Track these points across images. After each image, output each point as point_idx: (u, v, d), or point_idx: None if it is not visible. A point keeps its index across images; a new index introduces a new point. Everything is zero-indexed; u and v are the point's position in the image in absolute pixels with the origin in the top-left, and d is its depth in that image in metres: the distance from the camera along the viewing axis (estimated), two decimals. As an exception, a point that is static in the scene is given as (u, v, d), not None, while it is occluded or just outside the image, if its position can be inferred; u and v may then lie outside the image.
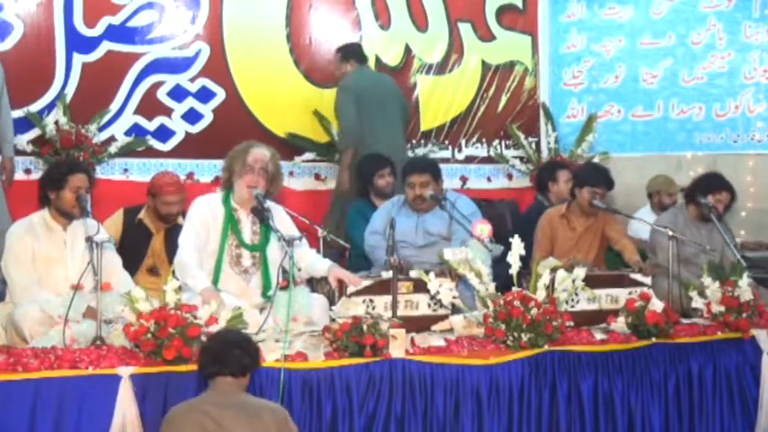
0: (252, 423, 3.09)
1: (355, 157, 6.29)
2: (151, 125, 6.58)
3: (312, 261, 4.51)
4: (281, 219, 4.49)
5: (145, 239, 5.16)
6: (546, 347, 4.02)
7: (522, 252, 4.15)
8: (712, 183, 5.55)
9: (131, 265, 4.90)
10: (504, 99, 7.76)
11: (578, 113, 7.88)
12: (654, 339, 4.27)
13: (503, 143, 7.78)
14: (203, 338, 3.53)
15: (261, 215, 4.36)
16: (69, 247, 4.31)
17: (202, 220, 4.36)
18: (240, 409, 3.11)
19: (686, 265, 5.16)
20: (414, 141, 7.39)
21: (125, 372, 3.41)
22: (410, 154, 7.22)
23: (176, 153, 6.62)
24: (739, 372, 4.47)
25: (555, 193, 6.28)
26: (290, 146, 6.91)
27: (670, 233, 4.85)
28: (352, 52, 6.70)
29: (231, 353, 3.23)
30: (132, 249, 5.09)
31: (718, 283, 4.58)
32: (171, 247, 4.88)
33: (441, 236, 5.12)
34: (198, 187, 6.22)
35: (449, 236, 5.10)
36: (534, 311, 3.97)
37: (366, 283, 4.31)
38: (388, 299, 4.18)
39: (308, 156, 6.98)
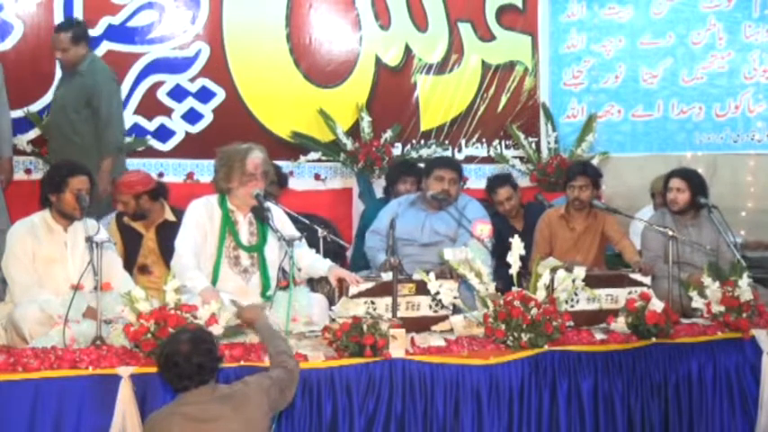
0: (239, 411, 3.07)
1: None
2: (151, 125, 6.58)
3: (312, 261, 4.51)
4: (281, 219, 4.50)
5: (136, 240, 5.17)
6: (546, 347, 4.02)
7: (522, 252, 4.16)
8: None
9: (127, 266, 4.92)
10: (504, 99, 7.76)
11: (578, 113, 7.88)
12: (654, 339, 4.27)
13: (503, 143, 7.79)
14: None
15: (261, 215, 4.36)
16: (70, 248, 4.31)
17: (199, 223, 4.36)
18: (223, 402, 3.08)
19: (681, 265, 5.15)
20: (414, 141, 7.40)
21: (125, 372, 3.41)
22: (413, 154, 7.25)
23: (176, 153, 6.63)
24: (739, 372, 4.47)
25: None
26: (292, 146, 6.92)
27: (670, 233, 4.85)
28: (84, 33, 5.73)
29: (193, 365, 3.07)
30: (127, 251, 5.11)
31: (718, 283, 4.58)
32: (164, 245, 4.89)
33: (447, 236, 5.14)
34: (198, 187, 6.23)
35: (455, 237, 5.12)
36: (534, 311, 3.97)
37: (367, 284, 4.32)
38: (389, 300, 4.18)
39: (313, 155, 6.98)
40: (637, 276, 4.73)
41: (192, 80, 6.67)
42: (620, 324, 4.37)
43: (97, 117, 5.61)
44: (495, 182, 6.17)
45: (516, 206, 6.08)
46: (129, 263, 5.01)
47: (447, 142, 7.54)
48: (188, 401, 3.08)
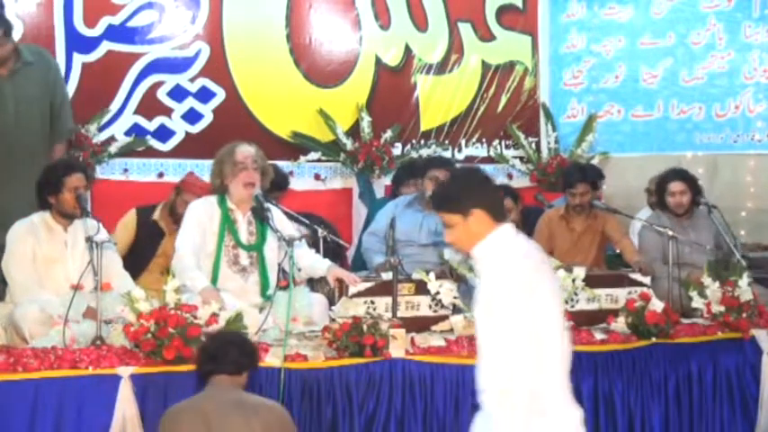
0: (248, 421, 3.09)
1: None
2: (151, 125, 6.57)
3: (311, 261, 4.51)
4: (280, 220, 4.51)
5: (156, 239, 5.15)
6: (546, 347, 4.02)
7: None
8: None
9: (141, 264, 4.91)
10: (504, 99, 7.75)
11: (578, 113, 7.87)
12: (654, 339, 4.27)
13: (503, 143, 7.78)
14: (203, 338, 3.54)
15: (261, 215, 4.37)
16: (70, 248, 4.31)
17: (199, 222, 4.38)
18: (236, 407, 3.11)
19: (681, 265, 5.14)
20: (414, 141, 7.40)
21: (125, 372, 3.42)
22: (413, 154, 7.25)
23: (176, 153, 6.61)
24: (739, 372, 4.47)
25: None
26: (292, 146, 6.92)
27: (670, 233, 4.85)
28: (10, 24, 5.38)
29: (227, 352, 3.23)
30: (143, 249, 5.10)
31: (718, 283, 4.58)
32: None
33: (446, 236, 5.14)
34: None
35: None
36: (534, 311, 3.97)
37: (367, 284, 4.32)
38: (389, 300, 4.18)
39: (313, 155, 6.98)
40: (636, 276, 4.73)
41: (192, 80, 6.66)
42: (620, 324, 4.37)
43: (53, 104, 5.46)
44: None
45: (516, 220, 5.96)
46: (140, 259, 5.00)
47: (447, 142, 7.53)
48: (208, 395, 3.15)
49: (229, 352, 3.23)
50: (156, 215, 5.22)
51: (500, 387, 2.45)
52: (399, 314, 4.13)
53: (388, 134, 7.16)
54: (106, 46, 6.40)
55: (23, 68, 5.38)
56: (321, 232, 5.04)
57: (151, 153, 6.53)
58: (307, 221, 5.11)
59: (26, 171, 4.93)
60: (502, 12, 7.75)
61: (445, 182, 2.84)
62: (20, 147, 5.31)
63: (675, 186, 5.47)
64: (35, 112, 5.40)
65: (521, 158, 7.77)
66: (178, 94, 6.63)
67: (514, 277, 2.52)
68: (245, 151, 4.41)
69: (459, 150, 7.60)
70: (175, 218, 5.10)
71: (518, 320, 2.47)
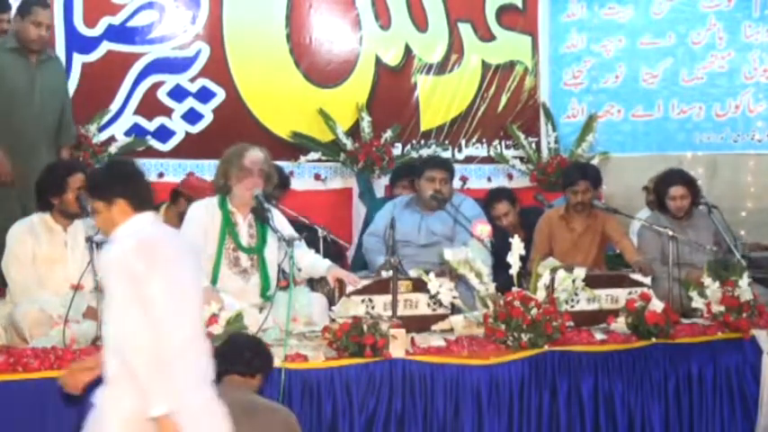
0: (253, 422, 3.09)
1: None
2: (151, 125, 6.58)
3: (311, 261, 4.52)
4: (280, 220, 4.51)
5: None
6: (546, 347, 4.02)
7: (522, 252, 4.16)
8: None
9: None
10: (504, 99, 7.75)
11: (578, 113, 7.88)
12: (654, 339, 4.27)
13: (503, 143, 7.79)
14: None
15: (261, 216, 4.37)
16: (70, 248, 4.31)
17: (200, 224, 4.38)
18: (243, 408, 3.11)
19: (681, 266, 5.14)
20: (414, 141, 7.40)
21: (125, 372, 3.41)
22: (413, 154, 7.25)
23: (176, 153, 6.62)
24: (739, 372, 4.48)
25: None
26: (292, 146, 6.92)
27: (670, 233, 4.85)
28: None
29: (240, 353, 3.27)
30: None
31: (718, 283, 4.58)
32: None
33: (444, 236, 5.14)
34: (198, 187, 6.22)
35: (452, 236, 5.12)
36: (534, 311, 3.97)
37: (365, 282, 4.32)
38: (387, 298, 4.19)
39: (314, 155, 6.98)
40: (637, 276, 4.73)
41: (192, 80, 6.66)
42: (620, 324, 4.37)
43: (64, 104, 5.47)
44: (493, 196, 6.08)
45: (514, 222, 5.95)
46: None
47: (447, 142, 7.53)
48: (221, 393, 3.13)
49: (243, 354, 3.27)
50: (160, 217, 5.22)
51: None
52: (398, 313, 4.14)
53: (388, 134, 7.16)
54: (106, 46, 6.40)
55: (48, 61, 5.42)
56: (321, 232, 5.04)
57: (151, 153, 6.53)
58: (306, 221, 5.12)
59: (41, 161, 4.93)
60: (502, 12, 7.75)
61: (95, 170, 3.15)
62: (40, 135, 5.32)
63: (676, 191, 5.46)
64: (54, 105, 5.42)
65: (521, 158, 7.77)
66: (178, 94, 6.63)
67: (125, 264, 2.72)
68: (254, 157, 4.39)
69: (460, 150, 7.61)
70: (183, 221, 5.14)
71: (125, 305, 2.71)
